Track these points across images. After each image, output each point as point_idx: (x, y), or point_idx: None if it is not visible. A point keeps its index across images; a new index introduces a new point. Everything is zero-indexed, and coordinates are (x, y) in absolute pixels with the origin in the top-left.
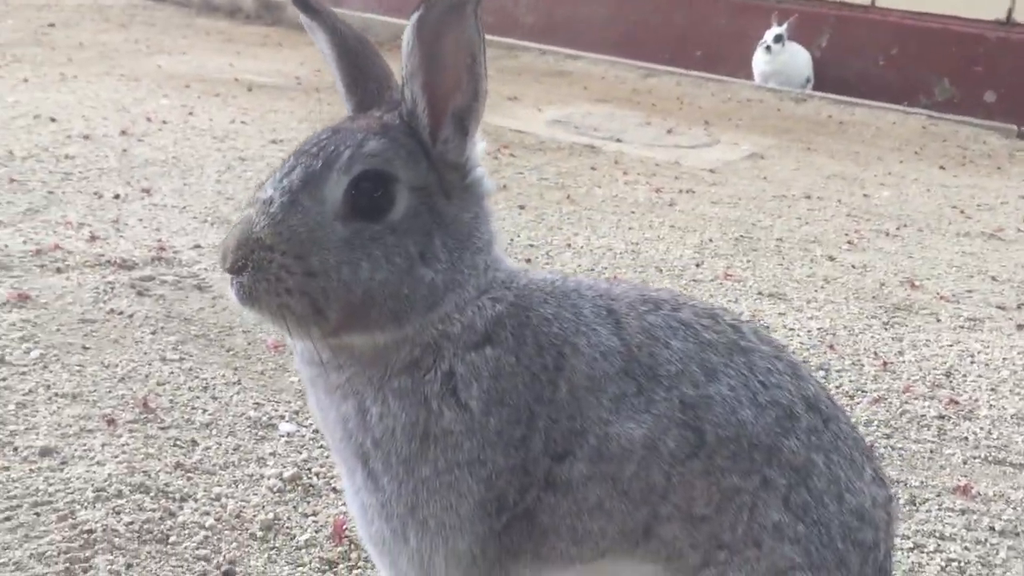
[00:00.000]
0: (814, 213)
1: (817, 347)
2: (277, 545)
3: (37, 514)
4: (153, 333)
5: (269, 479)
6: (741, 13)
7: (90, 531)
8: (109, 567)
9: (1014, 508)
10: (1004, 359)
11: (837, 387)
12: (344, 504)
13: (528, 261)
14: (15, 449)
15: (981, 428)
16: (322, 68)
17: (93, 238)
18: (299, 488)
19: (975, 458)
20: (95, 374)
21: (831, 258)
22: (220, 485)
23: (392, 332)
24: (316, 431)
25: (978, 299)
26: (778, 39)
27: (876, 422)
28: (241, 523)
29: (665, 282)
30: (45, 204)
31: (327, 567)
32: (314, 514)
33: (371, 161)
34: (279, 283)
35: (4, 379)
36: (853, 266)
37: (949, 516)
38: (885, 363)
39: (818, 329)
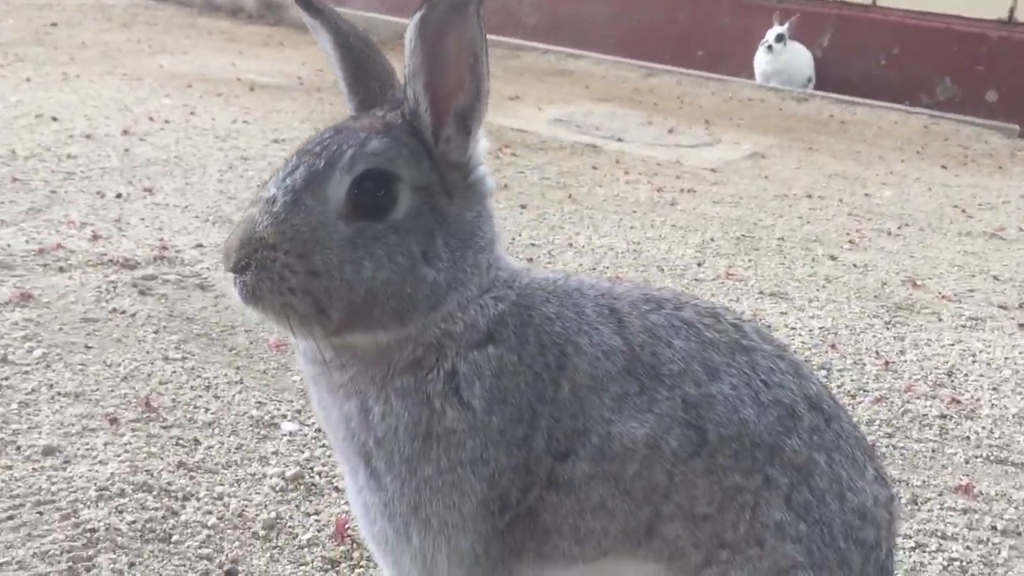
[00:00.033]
0: (816, 212)
1: (819, 346)
2: (279, 544)
3: (40, 513)
4: (155, 332)
5: (271, 478)
6: (743, 13)
7: (93, 530)
8: (112, 566)
9: (1016, 507)
10: (1006, 358)
11: (839, 386)
12: (346, 503)
13: (530, 260)
14: (18, 448)
15: (983, 427)
16: (324, 68)
17: (95, 237)
18: (301, 487)
19: (977, 457)
20: (98, 373)
21: (833, 257)
22: (222, 484)
23: (395, 331)
24: (318, 430)
25: (980, 298)
26: (780, 38)
27: (878, 421)
28: (243, 522)
29: (667, 281)
30: (47, 203)
31: (329, 566)
32: (316, 513)
33: (374, 160)
34: (282, 282)
35: (7, 378)
36: (855, 265)
37: (951, 515)
38: (887, 362)
39: (820, 328)
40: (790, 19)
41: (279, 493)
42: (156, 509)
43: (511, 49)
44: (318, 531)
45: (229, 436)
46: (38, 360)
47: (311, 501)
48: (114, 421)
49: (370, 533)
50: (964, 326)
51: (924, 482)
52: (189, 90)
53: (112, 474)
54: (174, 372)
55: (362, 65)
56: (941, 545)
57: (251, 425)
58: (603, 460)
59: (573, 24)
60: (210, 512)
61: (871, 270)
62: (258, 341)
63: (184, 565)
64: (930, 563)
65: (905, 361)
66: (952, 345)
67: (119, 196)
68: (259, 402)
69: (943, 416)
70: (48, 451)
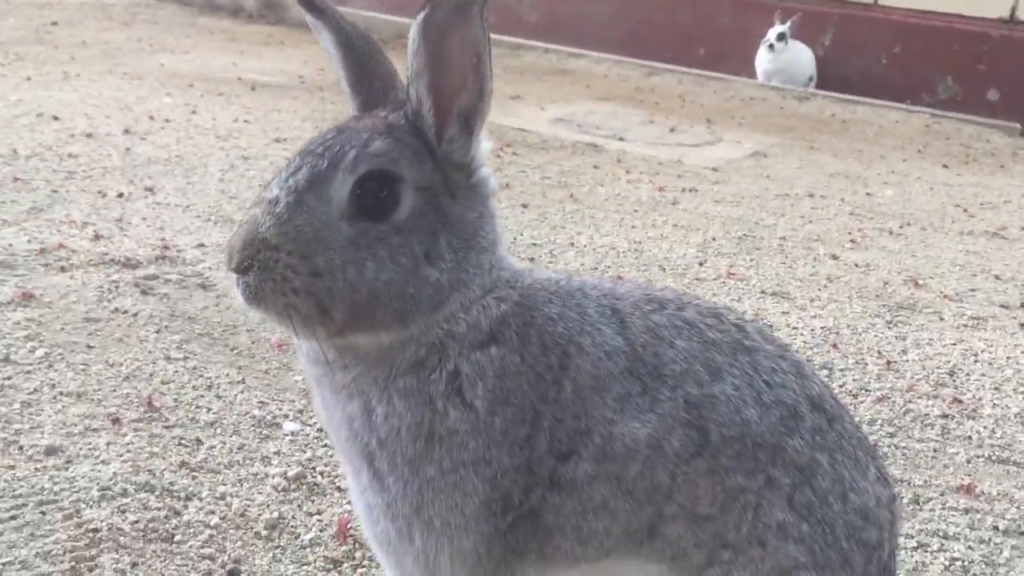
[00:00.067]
0: (817, 212)
1: (821, 346)
2: (282, 544)
3: (43, 513)
4: (157, 332)
5: (273, 478)
6: (744, 11)
7: (95, 530)
8: (114, 566)
9: (1018, 507)
10: (1008, 358)
11: (840, 386)
12: (348, 503)
13: (531, 260)
14: (20, 448)
15: (985, 427)
16: (325, 67)
17: (97, 237)
18: (303, 487)
19: (979, 457)
20: (100, 373)
21: (834, 257)
22: (225, 484)
23: (397, 332)
24: (320, 430)
25: (981, 298)
26: (781, 37)
27: (880, 421)
28: (246, 522)
29: (668, 281)
30: (49, 203)
31: (331, 566)
32: (318, 513)
33: (376, 161)
34: (285, 283)
35: (9, 378)
36: (856, 265)
37: (953, 515)
38: (888, 362)
39: (821, 328)
40: (791, 18)
41: (281, 493)
42: (158, 509)
43: (512, 48)
44: (320, 531)
45: (231, 436)
46: (40, 360)
47: (313, 501)
48: (116, 421)
49: (373, 534)
50: (966, 325)
51: (926, 482)
52: (190, 89)
53: (114, 474)
54: (176, 372)
55: (365, 65)
56: (943, 545)
57: (253, 425)
58: (605, 460)
59: (574, 23)
60: (212, 512)
61: (873, 269)
62: (260, 341)
63: (187, 565)
64: (932, 563)
65: (907, 361)
66: (954, 345)
67: (120, 195)
68: (261, 402)
69: (945, 416)
70: (50, 451)
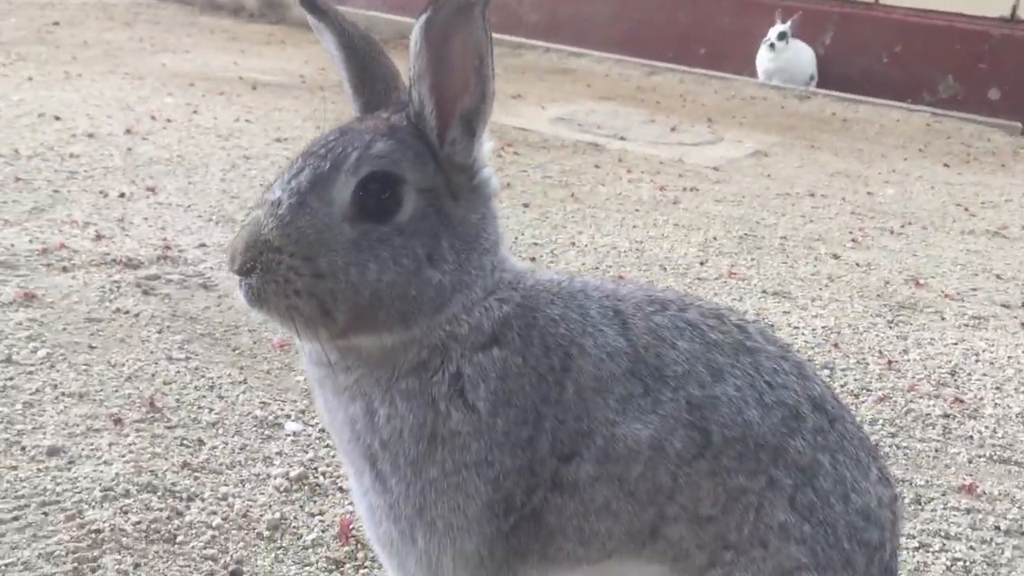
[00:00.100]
0: (818, 211)
1: (822, 346)
2: (284, 545)
3: (45, 514)
4: (159, 332)
5: (275, 478)
6: (745, 11)
7: (98, 531)
8: (117, 567)
9: (1019, 507)
10: (1009, 357)
11: (842, 386)
12: (351, 504)
13: (532, 260)
14: (23, 448)
15: (986, 427)
16: (326, 66)
17: (99, 237)
18: (305, 487)
19: (980, 457)
20: (102, 373)
21: (835, 256)
22: (227, 484)
23: (400, 333)
24: (322, 430)
25: (983, 297)
26: (782, 36)
27: (881, 421)
28: (248, 522)
29: (669, 280)
30: (50, 203)
31: (334, 567)
32: (320, 513)
33: (379, 163)
34: (287, 285)
35: (11, 378)
36: (857, 264)
37: (954, 515)
38: (890, 362)
39: (823, 328)
40: (792, 17)
41: (283, 493)
42: (161, 510)
43: (512, 47)
44: (322, 531)
45: (233, 436)
46: (42, 360)
47: (315, 501)
48: (118, 421)
49: (375, 535)
50: (967, 325)
51: (927, 482)
52: (191, 89)
53: (117, 474)
54: (178, 372)
55: (367, 66)
56: (944, 545)
57: (255, 425)
58: (607, 462)
59: (574, 22)
60: (215, 512)
61: (874, 269)
62: (262, 341)
63: (189, 566)
64: (933, 563)
65: (908, 360)
66: (955, 344)
67: (122, 195)
68: (263, 402)
69: (946, 416)
70: (53, 451)
